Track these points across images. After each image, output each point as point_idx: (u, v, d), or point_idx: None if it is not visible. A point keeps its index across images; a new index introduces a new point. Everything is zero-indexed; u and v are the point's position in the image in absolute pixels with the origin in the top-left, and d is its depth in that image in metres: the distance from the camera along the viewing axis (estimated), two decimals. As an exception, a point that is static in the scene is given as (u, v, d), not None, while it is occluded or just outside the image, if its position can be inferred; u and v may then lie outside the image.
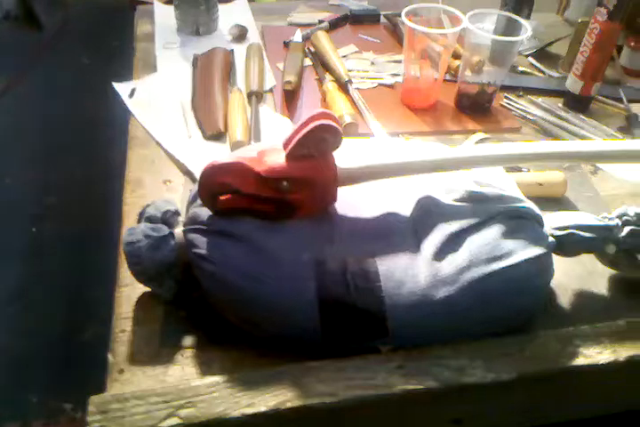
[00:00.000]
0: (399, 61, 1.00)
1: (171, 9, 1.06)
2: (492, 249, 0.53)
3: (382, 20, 1.13)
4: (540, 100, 0.93)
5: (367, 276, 0.52)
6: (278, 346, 0.55)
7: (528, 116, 0.90)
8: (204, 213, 0.56)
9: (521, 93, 0.95)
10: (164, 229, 0.57)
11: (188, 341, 0.57)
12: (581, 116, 0.90)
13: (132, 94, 0.88)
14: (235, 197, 0.54)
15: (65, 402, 1.33)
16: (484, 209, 0.55)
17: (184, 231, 0.56)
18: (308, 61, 1.00)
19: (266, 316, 0.53)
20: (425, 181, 0.59)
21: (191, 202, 0.59)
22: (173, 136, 0.81)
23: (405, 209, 0.57)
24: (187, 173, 0.75)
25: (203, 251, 0.54)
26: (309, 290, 0.52)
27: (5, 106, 2.16)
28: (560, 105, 0.93)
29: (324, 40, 1.00)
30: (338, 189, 0.55)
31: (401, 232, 0.55)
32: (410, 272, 0.52)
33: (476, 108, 0.90)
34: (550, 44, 1.08)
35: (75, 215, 1.77)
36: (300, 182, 0.53)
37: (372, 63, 1.01)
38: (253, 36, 1.06)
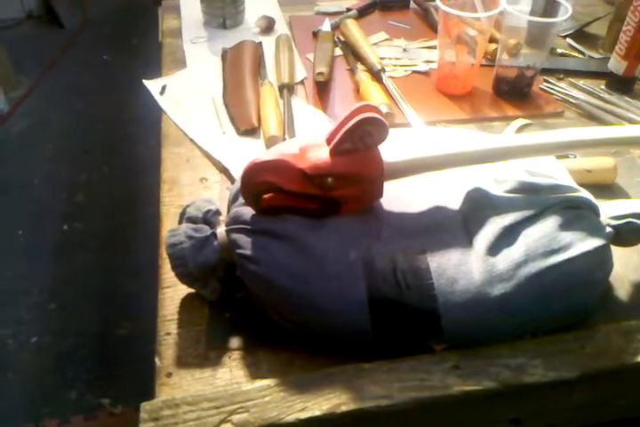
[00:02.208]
0: (432, 47, 0.97)
1: (196, 3, 1.05)
2: (549, 242, 0.50)
3: (412, 5, 1.10)
4: (581, 82, 0.90)
5: (418, 273, 0.50)
6: (328, 347, 0.53)
7: (570, 99, 0.87)
8: (247, 212, 0.54)
9: (561, 76, 0.92)
10: (206, 230, 0.56)
11: (235, 342, 0.56)
12: (626, 98, 0.86)
13: (162, 91, 0.86)
14: (278, 196, 0.52)
15: (103, 397, 1.34)
16: (537, 200, 0.53)
17: (227, 231, 0.55)
18: (338, 51, 0.97)
19: (314, 316, 0.52)
20: (473, 171, 0.56)
21: (232, 201, 0.57)
22: (207, 133, 0.79)
23: (454, 202, 0.55)
24: (223, 170, 0.74)
25: (247, 251, 0.52)
26: (358, 289, 0.50)
27: (31, 105, 2.18)
28: (603, 87, 0.89)
29: (353, 28, 0.98)
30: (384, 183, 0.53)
31: (451, 226, 0.53)
32: (463, 268, 0.50)
33: (514, 92, 0.87)
34: (589, 23, 1.03)
35: (103, 213, 1.79)
36: (346, 178, 0.51)
37: (405, 50, 0.98)
38: (281, 28, 1.04)
